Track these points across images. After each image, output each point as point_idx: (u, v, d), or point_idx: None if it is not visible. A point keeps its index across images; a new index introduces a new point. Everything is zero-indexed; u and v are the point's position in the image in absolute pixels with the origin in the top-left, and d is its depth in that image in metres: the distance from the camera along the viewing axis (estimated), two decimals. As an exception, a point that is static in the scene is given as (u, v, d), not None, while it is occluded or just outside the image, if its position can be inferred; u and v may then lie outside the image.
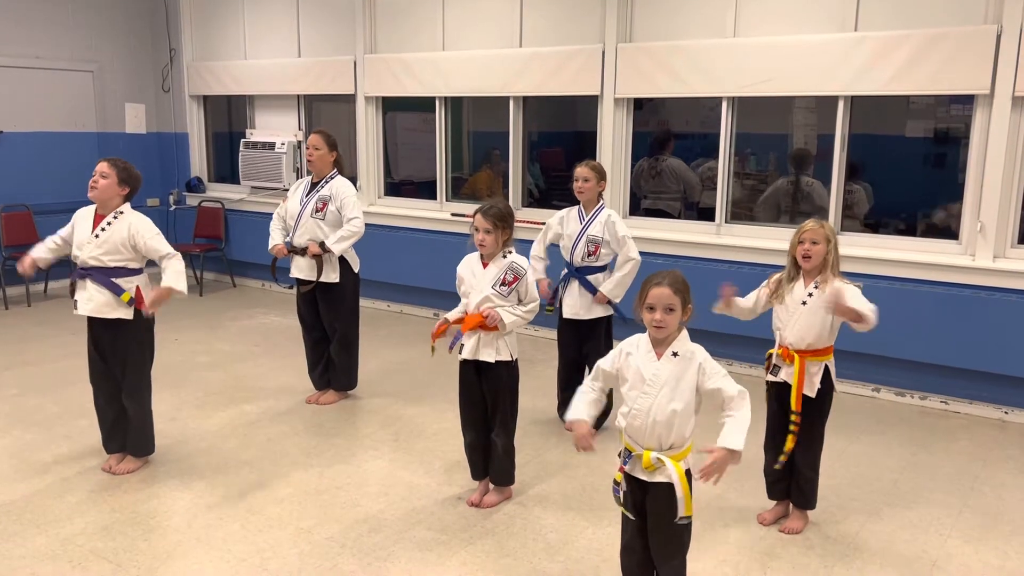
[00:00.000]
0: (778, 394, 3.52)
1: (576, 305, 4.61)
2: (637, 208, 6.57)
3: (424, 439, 4.60)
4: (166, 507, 3.77)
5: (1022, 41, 4.74)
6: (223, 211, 8.54)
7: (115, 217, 3.87)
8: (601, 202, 4.62)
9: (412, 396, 5.27)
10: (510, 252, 3.65)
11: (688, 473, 2.69)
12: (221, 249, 8.57)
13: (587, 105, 6.49)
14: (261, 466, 4.22)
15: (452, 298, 3.82)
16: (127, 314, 3.89)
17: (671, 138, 6.90)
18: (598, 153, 6.28)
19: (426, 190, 7.56)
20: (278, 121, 8.31)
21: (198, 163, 8.96)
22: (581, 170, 4.55)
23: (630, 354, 2.72)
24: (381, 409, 5.07)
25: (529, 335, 6.52)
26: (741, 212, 6.26)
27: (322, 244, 4.85)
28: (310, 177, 5.01)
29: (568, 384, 4.42)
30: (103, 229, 3.85)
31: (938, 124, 6.01)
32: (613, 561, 3.10)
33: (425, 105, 7.26)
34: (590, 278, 4.57)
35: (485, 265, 3.65)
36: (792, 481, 3.61)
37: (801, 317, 3.41)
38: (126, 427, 4.10)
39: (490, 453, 3.79)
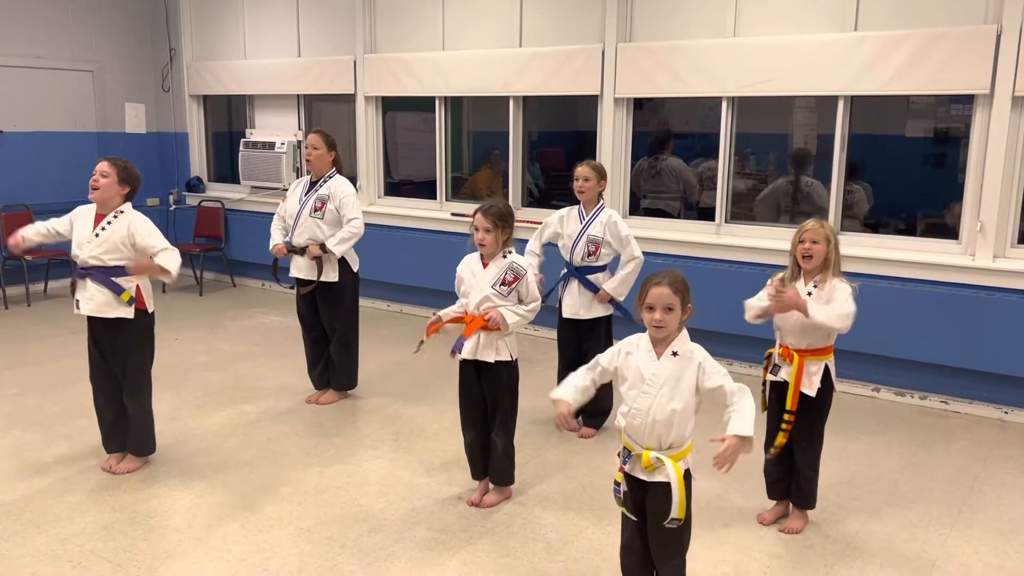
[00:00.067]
0: (778, 394, 3.52)
1: (576, 305, 4.61)
2: (637, 208, 6.57)
3: (424, 439, 4.60)
4: (166, 507, 3.77)
5: (1022, 41, 4.74)
6: (223, 211, 8.54)
7: (115, 216, 3.87)
8: (601, 202, 4.62)
9: (412, 396, 5.27)
10: (510, 252, 3.65)
11: (688, 474, 2.69)
12: (221, 249, 8.57)
13: (587, 105, 6.49)
14: (261, 466, 4.22)
15: (452, 298, 3.81)
16: (127, 313, 3.89)
17: (671, 138, 6.90)
18: (598, 153, 6.28)
19: (426, 190, 7.56)
20: (278, 121, 8.31)
21: (198, 163, 8.96)
22: (582, 169, 4.55)
23: (630, 353, 2.72)
24: (381, 409, 5.07)
25: (529, 335, 6.52)
26: (741, 212, 6.26)
27: (323, 246, 4.85)
28: (309, 176, 5.01)
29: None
30: (103, 228, 3.85)
31: (938, 124, 6.02)
32: (613, 561, 3.10)
33: (425, 105, 7.26)
34: (590, 277, 4.57)
35: (485, 265, 3.64)
36: (792, 481, 3.62)
37: (801, 316, 3.40)
38: (126, 427, 4.10)
39: (490, 453, 3.79)
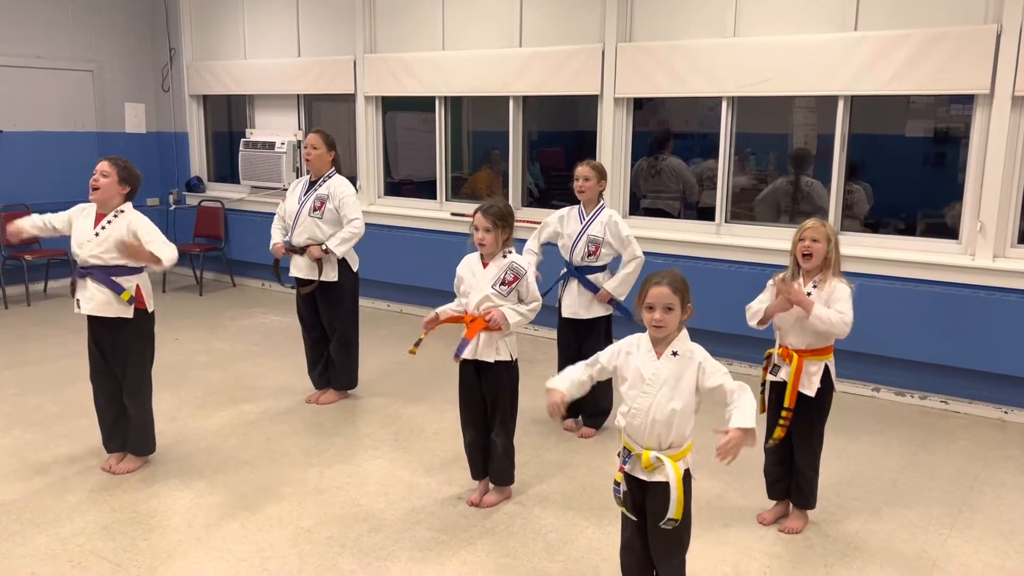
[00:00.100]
0: (778, 394, 3.52)
1: (575, 304, 4.61)
2: (637, 208, 6.57)
3: (424, 439, 4.60)
4: (166, 507, 3.77)
5: (1022, 41, 4.74)
6: (223, 211, 8.54)
7: (115, 216, 3.87)
8: (602, 202, 4.62)
9: (412, 396, 5.27)
10: (510, 252, 3.65)
11: (687, 474, 2.69)
12: (221, 249, 8.57)
13: (587, 105, 6.49)
14: (261, 466, 4.22)
15: (452, 298, 3.82)
16: (127, 313, 3.90)
17: (671, 137, 6.90)
18: (598, 153, 6.28)
19: (426, 190, 7.56)
20: (278, 121, 8.31)
21: (198, 163, 8.96)
22: (582, 169, 4.55)
23: (630, 353, 2.73)
24: (381, 409, 5.07)
25: (529, 335, 6.52)
26: (741, 212, 6.26)
27: (325, 247, 4.85)
28: (308, 176, 5.01)
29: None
30: (103, 228, 3.85)
31: (938, 124, 6.02)
32: (613, 561, 3.10)
33: (425, 105, 7.26)
34: (589, 277, 4.57)
35: (485, 265, 3.65)
36: (792, 481, 3.62)
37: (803, 315, 3.40)
38: (126, 426, 4.10)
39: (490, 453, 3.79)
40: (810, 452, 3.54)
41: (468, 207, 6.41)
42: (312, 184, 4.95)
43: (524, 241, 4.66)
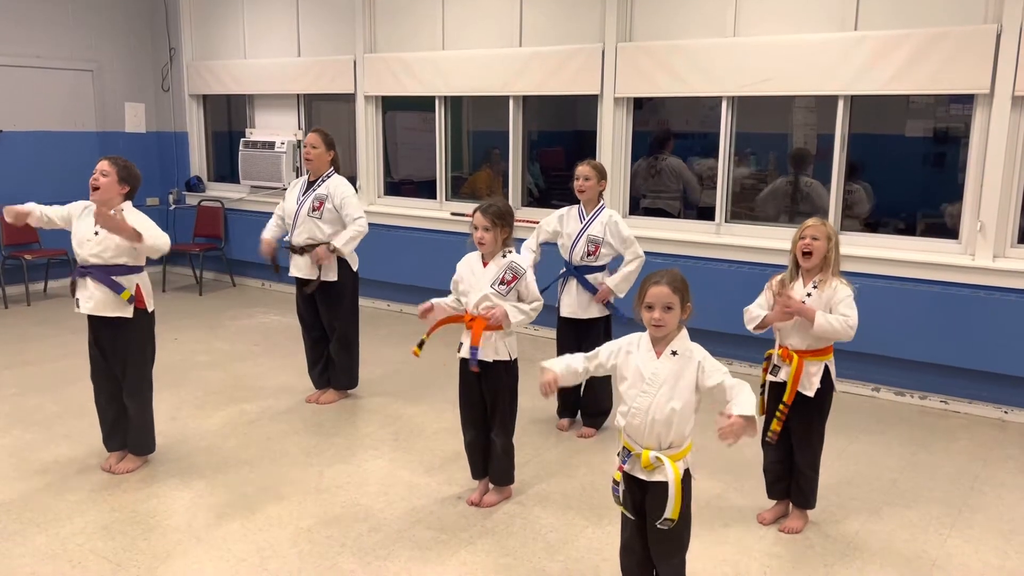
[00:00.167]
0: (778, 394, 3.52)
1: (574, 304, 4.61)
2: (637, 207, 6.57)
3: (424, 439, 4.60)
4: (166, 507, 3.77)
5: (1022, 41, 4.74)
6: (223, 210, 8.54)
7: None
8: (602, 202, 4.62)
9: (412, 396, 5.27)
10: (510, 251, 3.66)
11: (687, 474, 2.69)
12: (221, 248, 8.57)
13: (587, 104, 6.49)
14: (261, 465, 4.22)
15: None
16: (127, 312, 3.89)
17: (671, 137, 6.90)
18: (598, 152, 6.28)
19: (426, 189, 7.56)
20: (278, 120, 8.31)
21: (198, 162, 8.96)
22: (582, 169, 4.55)
23: (629, 352, 2.73)
24: (381, 408, 5.07)
25: (529, 335, 6.52)
26: (741, 211, 6.26)
27: (332, 247, 4.84)
28: (307, 176, 5.01)
29: (568, 383, 4.42)
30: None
31: (938, 124, 6.01)
32: (613, 561, 3.10)
33: (425, 104, 7.26)
34: (588, 277, 4.57)
35: (485, 264, 3.65)
36: (792, 481, 3.61)
37: (802, 320, 3.40)
38: (126, 426, 4.10)
39: (490, 452, 3.79)
40: (810, 452, 3.54)
41: (468, 207, 6.40)
42: (311, 184, 4.95)
43: (524, 240, 4.66)
